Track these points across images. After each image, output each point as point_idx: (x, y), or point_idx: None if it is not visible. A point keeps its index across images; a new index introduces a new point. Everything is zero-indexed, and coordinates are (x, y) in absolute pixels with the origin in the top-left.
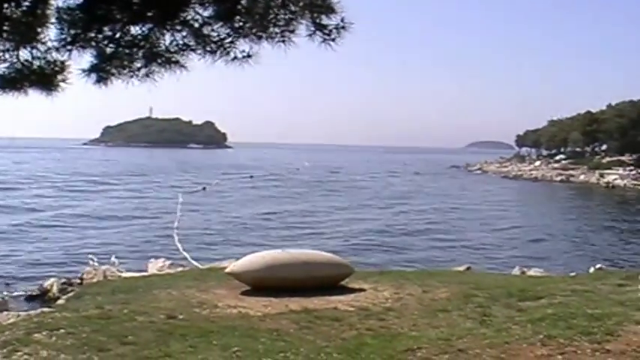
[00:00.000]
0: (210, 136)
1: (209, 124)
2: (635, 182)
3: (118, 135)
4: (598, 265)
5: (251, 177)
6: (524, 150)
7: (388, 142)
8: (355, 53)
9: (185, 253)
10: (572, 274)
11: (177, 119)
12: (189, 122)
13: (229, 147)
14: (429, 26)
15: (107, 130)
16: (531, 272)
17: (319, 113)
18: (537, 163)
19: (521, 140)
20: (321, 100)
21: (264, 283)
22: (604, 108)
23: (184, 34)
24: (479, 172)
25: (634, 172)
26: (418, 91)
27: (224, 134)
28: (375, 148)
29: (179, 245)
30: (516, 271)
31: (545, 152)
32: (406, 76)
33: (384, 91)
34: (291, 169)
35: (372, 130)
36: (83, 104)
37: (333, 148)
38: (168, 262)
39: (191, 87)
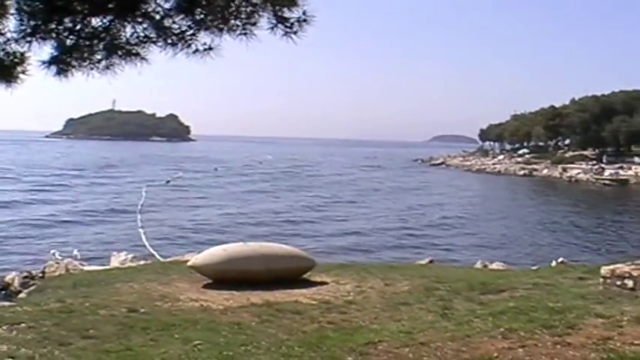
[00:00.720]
0: (173, 129)
1: (172, 117)
2: (598, 177)
3: (80, 127)
4: (560, 259)
5: (215, 169)
6: (487, 144)
7: (351, 136)
8: (317, 44)
9: (148, 246)
10: (534, 267)
11: (140, 112)
12: (153, 115)
13: (193, 140)
14: (391, 16)
15: (70, 122)
16: (493, 266)
17: (280, 106)
18: (500, 157)
19: (484, 134)
20: (282, 93)
21: (226, 276)
22: (567, 103)
23: (145, 26)
24: (442, 166)
25: (596, 166)
26: (381, 84)
27: (187, 127)
28: (338, 141)
29: (144, 238)
30: (478, 264)
31: (508, 146)
32: (369, 69)
33: (347, 84)
34: (254, 162)
35: (335, 123)
36: (45, 96)
37: (295, 141)
38: (130, 256)
39: (155, 80)
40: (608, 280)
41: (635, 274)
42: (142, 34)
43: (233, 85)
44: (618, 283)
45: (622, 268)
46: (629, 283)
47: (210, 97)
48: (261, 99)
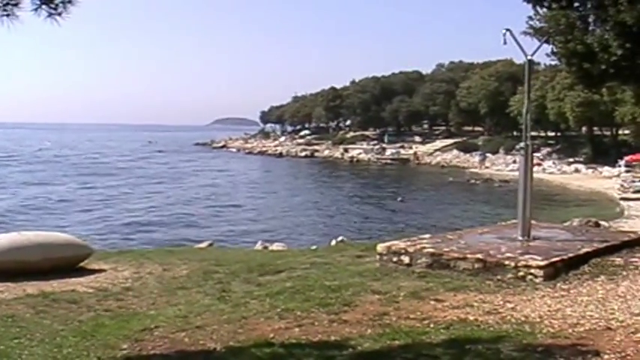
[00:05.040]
0: None
1: None
2: (379, 156)
3: None
4: (340, 238)
5: None
6: (268, 126)
7: (133, 120)
8: (89, 26)
9: None
10: (314, 247)
11: None
12: None
13: None
14: (183, 4)
15: None
16: (274, 247)
17: (65, 91)
18: (282, 138)
19: (265, 116)
20: (61, 77)
21: (1, 268)
22: (348, 84)
23: None
24: (223, 149)
25: (377, 146)
26: (161, 66)
27: None
28: (120, 126)
29: None
30: (259, 246)
31: (289, 128)
32: (148, 50)
33: (126, 66)
34: (32, 149)
35: (116, 106)
36: None
37: (79, 127)
38: None
39: None
40: (385, 257)
41: (410, 250)
42: None
43: (11, 70)
44: (395, 259)
45: (398, 244)
46: (406, 259)
47: None
48: (43, 85)
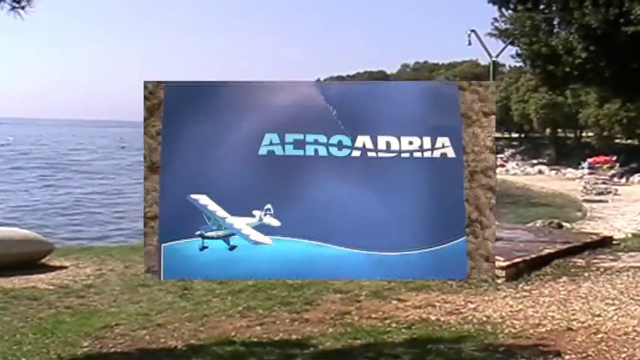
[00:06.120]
0: None
1: None
2: None
3: None
4: None
5: None
6: None
7: (101, 116)
8: (55, 18)
9: None
10: None
11: None
12: None
13: None
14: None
15: None
16: None
17: (27, 84)
18: None
19: None
20: (30, 70)
21: None
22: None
23: None
24: None
25: None
26: (129, 62)
27: None
28: (86, 121)
29: None
30: None
31: None
32: (114, 46)
33: (95, 63)
34: None
35: (85, 102)
36: None
37: (44, 122)
38: None
39: None
40: None
41: None
42: None
43: None
44: None
45: None
46: None
47: None
48: (11, 79)
